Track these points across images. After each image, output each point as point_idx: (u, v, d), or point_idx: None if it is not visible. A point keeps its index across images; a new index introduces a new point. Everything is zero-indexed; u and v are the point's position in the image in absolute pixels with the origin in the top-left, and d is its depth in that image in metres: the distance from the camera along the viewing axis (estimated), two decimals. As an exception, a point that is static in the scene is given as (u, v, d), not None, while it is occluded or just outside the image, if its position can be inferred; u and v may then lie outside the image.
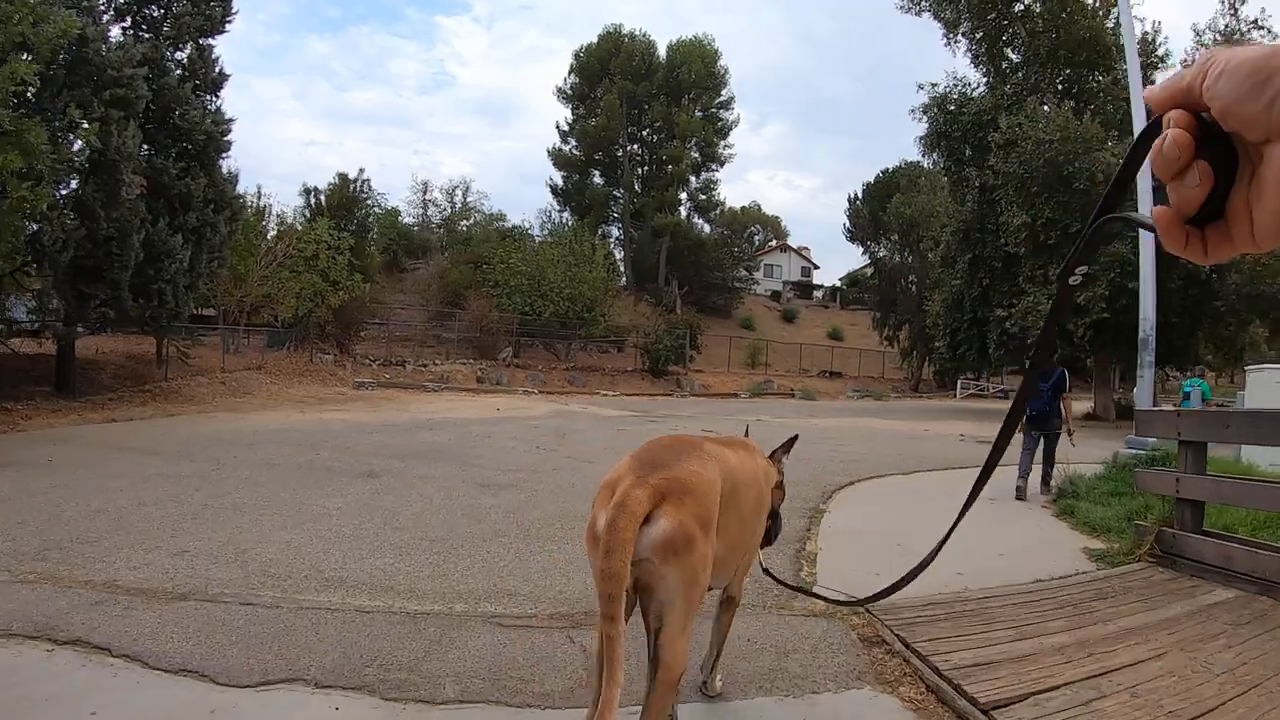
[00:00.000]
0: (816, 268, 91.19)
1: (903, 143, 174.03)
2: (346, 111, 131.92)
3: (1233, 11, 30.59)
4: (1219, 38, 30.67)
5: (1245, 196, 0.76)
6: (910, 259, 58.41)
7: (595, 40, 63.39)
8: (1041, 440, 11.44)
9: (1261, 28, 30.75)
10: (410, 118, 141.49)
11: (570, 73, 64.53)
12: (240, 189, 24.14)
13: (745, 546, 3.59)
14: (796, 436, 4.74)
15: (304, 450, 13.12)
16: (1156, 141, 0.77)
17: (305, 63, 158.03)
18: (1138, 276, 25.98)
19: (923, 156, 42.24)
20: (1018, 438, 10.87)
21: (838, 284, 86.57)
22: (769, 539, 4.17)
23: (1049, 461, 11.47)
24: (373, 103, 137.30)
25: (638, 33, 63.43)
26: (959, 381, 53.51)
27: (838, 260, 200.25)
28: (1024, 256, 30.09)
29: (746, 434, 4.34)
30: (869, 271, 66.98)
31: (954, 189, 37.63)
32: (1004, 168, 29.58)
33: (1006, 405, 38.36)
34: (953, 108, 35.12)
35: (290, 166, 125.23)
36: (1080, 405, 44.73)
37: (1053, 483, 11.27)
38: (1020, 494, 10.95)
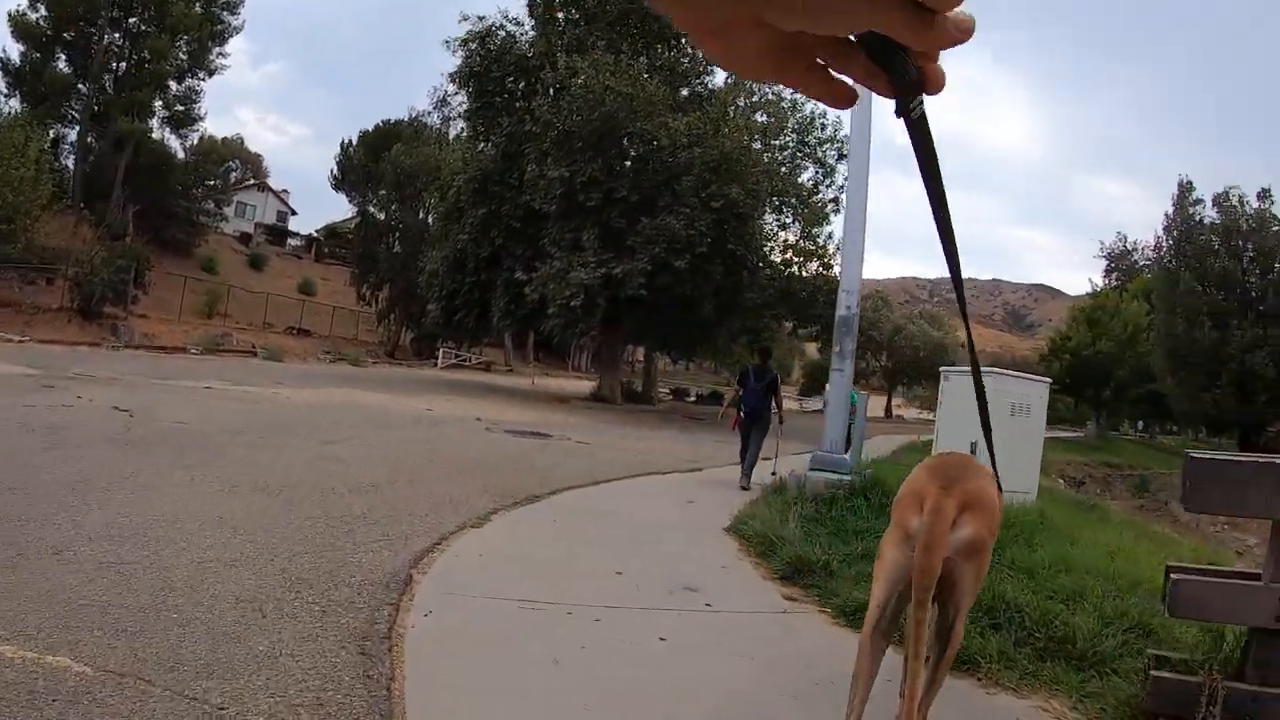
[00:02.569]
0: (294, 213, 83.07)
1: (408, 102, 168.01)
2: None
3: None
4: None
5: None
6: (399, 213, 54.10)
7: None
8: (751, 433, 12.38)
9: None
10: None
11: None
12: None
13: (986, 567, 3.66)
14: None
15: None
16: None
17: None
18: (685, 254, 24.42)
19: (434, 109, 38.34)
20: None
21: (315, 234, 79.23)
22: None
23: (755, 454, 12.33)
24: None
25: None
26: (440, 350, 49.97)
27: (316, 213, 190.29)
28: (554, 217, 27.13)
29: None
30: (353, 224, 61.17)
31: (474, 136, 33.80)
32: (548, 115, 26.33)
33: (492, 378, 35.08)
34: (495, 46, 31.00)
35: None
36: (582, 384, 43.40)
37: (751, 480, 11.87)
38: (745, 485, 11.76)
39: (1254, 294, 32.14)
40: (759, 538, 7.62)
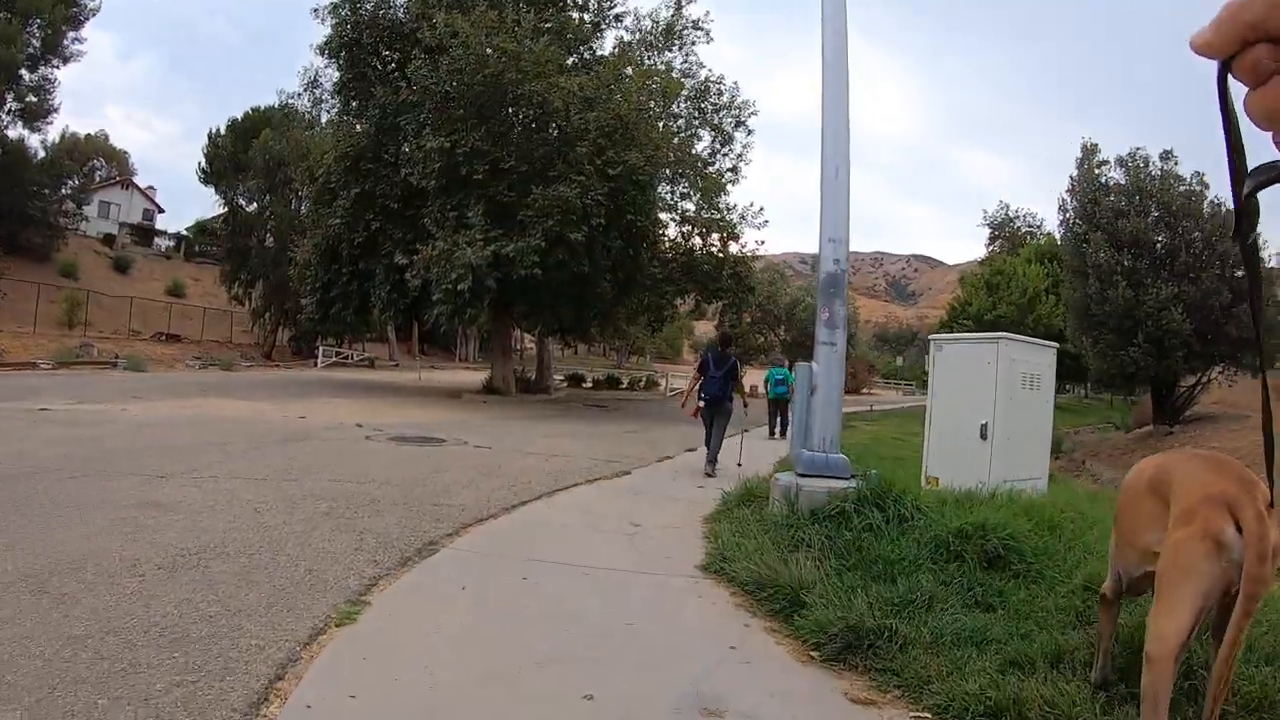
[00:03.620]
0: (162, 211, 77.77)
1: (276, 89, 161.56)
2: None
3: (677, 6, 30.02)
4: (656, 25, 30.20)
5: None
6: (270, 203, 50.82)
7: None
8: (714, 420, 12.63)
9: (701, 28, 30.38)
10: None
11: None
12: None
13: None
14: None
15: None
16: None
17: None
18: (581, 226, 21.88)
19: (304, 90, 35.35)
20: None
21: (184, 232, 74.15)
22: None
23: (719, 441, 12.59)
24: None
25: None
26: (320, 348, 47.13)
27: (186, 210, 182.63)
28: (433, 193, 24.69)
29: None
30: (222, 219, 57.45)
31: (345, 111, 30.78)
32: (425, 79, 23.93)
33: (376, 375, 32.65)
34: (367, 11, 28.15)
35: None
36: (471, 376, 41.03)
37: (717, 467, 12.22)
38: (710, 472, 12.09)
39: (1162, 252, 31.72)
40: (762, 586, 5.33)
